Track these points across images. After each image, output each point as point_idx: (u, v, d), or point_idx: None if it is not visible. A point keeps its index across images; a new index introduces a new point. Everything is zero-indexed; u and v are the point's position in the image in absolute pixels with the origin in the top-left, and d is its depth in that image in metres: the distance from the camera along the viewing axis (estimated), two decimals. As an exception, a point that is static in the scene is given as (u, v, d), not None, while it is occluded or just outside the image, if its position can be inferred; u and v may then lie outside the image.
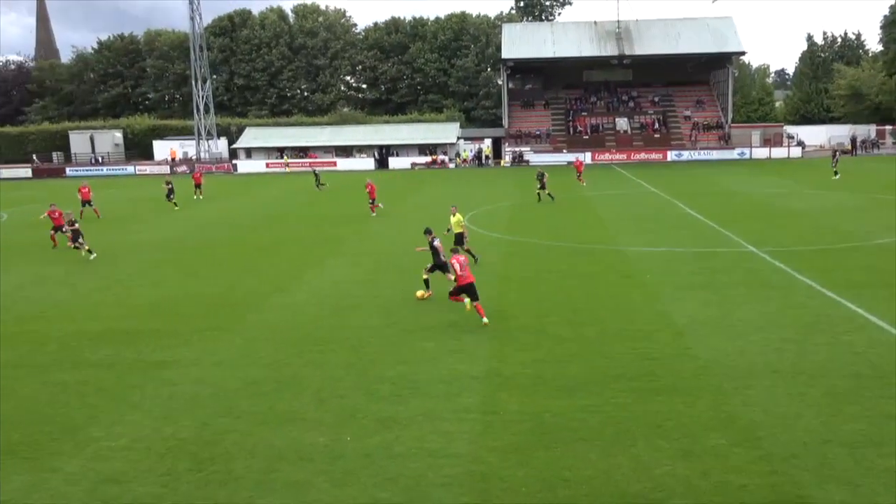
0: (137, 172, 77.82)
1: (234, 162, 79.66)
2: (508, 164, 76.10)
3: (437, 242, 19.97)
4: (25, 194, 57.64)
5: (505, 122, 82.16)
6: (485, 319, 16.62)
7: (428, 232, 20.30)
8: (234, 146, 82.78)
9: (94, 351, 15.95)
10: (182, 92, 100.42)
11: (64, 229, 29.06)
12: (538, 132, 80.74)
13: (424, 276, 19.61)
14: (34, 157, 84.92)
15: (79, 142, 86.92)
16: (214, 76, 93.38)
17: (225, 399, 12.93)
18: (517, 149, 78.21)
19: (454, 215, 24.45)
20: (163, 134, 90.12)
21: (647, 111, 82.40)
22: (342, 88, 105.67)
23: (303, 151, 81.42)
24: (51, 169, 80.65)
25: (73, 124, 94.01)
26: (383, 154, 79.95)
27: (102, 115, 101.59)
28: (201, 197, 47.93)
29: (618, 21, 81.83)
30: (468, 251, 23.49)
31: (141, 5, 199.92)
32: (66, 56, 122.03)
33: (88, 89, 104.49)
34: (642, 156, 74.82)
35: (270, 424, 11.80)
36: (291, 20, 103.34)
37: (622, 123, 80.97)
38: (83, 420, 12.25)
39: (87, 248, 27.48)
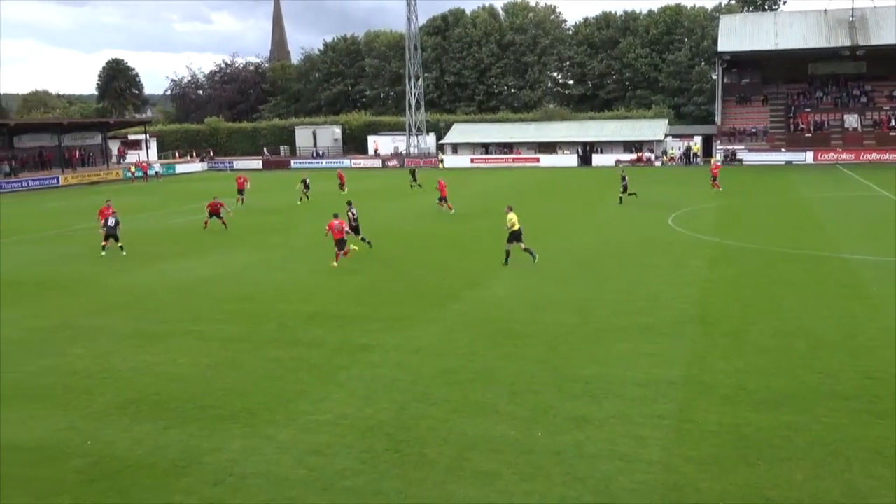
0: (353, 165, 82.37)
1: (441, 157, 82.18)
2: (720, 163, 72.51)
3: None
4: (253, 183, 62.93)
5: (718, 118, 78.23)
6: None
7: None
8: (442, 141, 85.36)
9: (306, 331, 17.15)
10: (396, 90, 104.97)
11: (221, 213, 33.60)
12: (754, 129, 76.09)
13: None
14: (265, 150, 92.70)
15: (303, 136, 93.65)
16: (426, 74, 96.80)
17: (422, 385, 13.41)
18: (729, 147, 74.22)
19: (509, 214, 24.20)
20: (377, 129, 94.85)
21: (883, 107, 75.00)
22: (549, 85, 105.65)
23: (507, 147, 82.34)
24: (278, 161, 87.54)
25: (299, 120, 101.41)
26: (587, 151, 79.01)
27: (324, 111, 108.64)
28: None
29: (852, 9, 75.12)
30: (526, 250, 24.08)
31: (363, 7, 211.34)
32: (296, 57, 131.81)
33: (313, 87, 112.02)
34: (874, 156, 68.28)
35: (463, 413, 12.09)
36: (502, 17, 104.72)
37: (851, 120, 74.31)
38: (294, 394, 13.21)
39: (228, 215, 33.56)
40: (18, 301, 21.34)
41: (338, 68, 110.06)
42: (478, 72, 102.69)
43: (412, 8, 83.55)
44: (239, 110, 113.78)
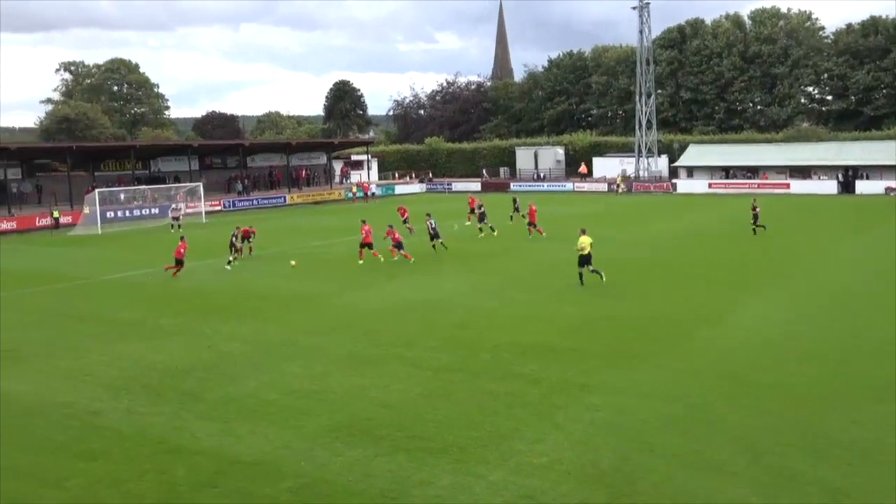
0: (576, 189, 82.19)
1: (673, 181, 79.81)
2: None
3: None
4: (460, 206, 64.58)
5: None
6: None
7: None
8: (675, 164, 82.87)
9: (522, 364, 17.18)
10: (625, 108, 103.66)
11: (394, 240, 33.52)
12: None
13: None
14: (484, 171, 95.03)
15: (524, 157, 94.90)
16: (659, 91, 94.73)
17: (646, 433, 12.92)
18: None
19: (581, 237, 26.61)
20: (603, 150, 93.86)
21: None
22: (802, 101, 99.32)
23: (751, 171, 78.30)
24: (497, 183, 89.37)
25: (520, 140, 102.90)
26: (848, 176, 73.13)
27: (547, 131, 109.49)
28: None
29: None
30: (595, 271, 26.30)
31: (590, 20, 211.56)
32: (518, 75, 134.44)
33: (536, 106, 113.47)
34: None
35: (693, 470, 11.47)
36: (748, 27, 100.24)
37: None
38: (508, 431, 13.23)
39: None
40: (243, 315, 23.36)
41: (562, 86, 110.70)
42: (718, 87, 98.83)
43: (644, 20, 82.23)
44: (460, 131, 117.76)
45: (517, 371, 16.73)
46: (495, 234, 41.76)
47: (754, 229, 39.22)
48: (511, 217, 49.74)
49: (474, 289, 26.77)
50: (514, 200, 52.81)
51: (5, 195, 59.55)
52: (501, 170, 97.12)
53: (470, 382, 16.04)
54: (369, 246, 33.66)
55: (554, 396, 14.98)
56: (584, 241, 26.35)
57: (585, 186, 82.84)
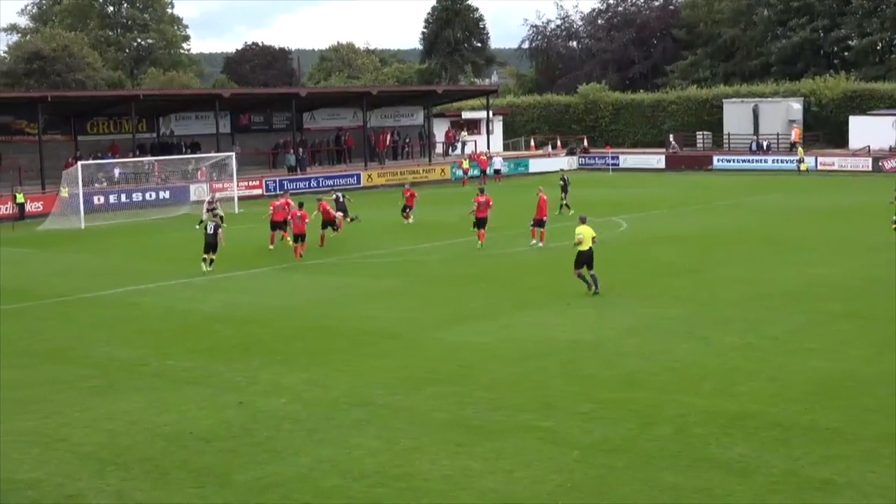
0: (819, 166, 79.82)
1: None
2: None
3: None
4: (651, 192, 63.93)
5: None
6: None
7: None
8: None
9: (724, 445, 16.89)
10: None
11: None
12: None
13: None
14: (670, 138, 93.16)
15: (736, 115, 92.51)
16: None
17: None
18: None
19: (578, 227, 30.11)
20: (866, 104, 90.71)
21: None
22: None
23: None
24: (691, 157, 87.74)
25: (730, 88, 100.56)
26: None
27: (774, 74, 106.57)
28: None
29: None
30: (592, 276, 30.03)
31: None
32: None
33: (757, 35, 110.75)
34: None
35: None
36: None
37: None
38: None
39: None
40: (291, 355, 23.91)
41: (801, 1, 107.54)
42: None
43: None
44: (634, 73, 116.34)
45: (715, 456, 16.52)
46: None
47: None
48: (561, 207, 51.80)
49: (650, 326, 26.62)
50: (563, 181, 54.70)
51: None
52: (699, 135, 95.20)
53: (639, 471, 15.92)
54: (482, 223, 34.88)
55: (775, 499, 14.74)
56: (584, 233, 29.68)
57: (835, 163, 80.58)
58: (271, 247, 41.80)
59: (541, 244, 40.15)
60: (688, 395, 19.94)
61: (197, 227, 46.51)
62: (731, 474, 15.71)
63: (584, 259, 29.81)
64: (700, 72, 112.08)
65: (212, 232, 36.30)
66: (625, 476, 15.75)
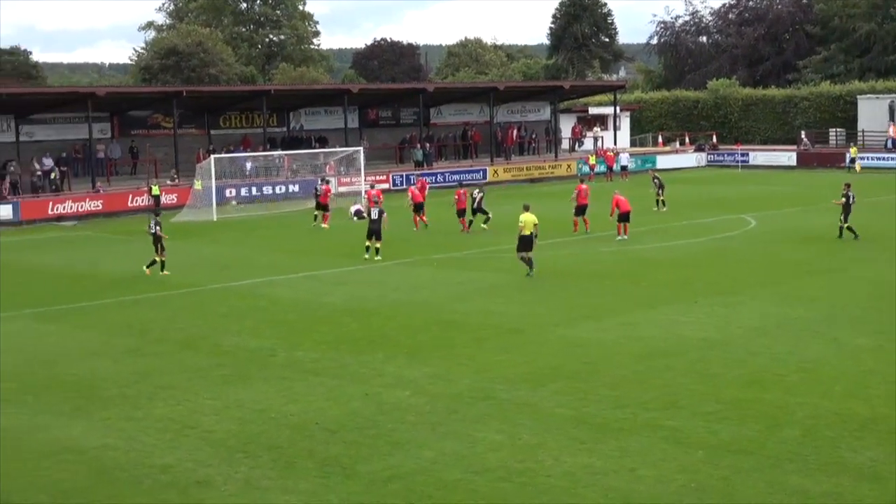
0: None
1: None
2: None
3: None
4: (782, 189, 62.87)
5: None
6: None
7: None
8: None
9: (855, 449, 16.58)
10: None
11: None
12: None
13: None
14: (802, 134, 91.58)
15: (870, 111, 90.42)
16: None
17: None
18: None
19: (523, 214, 33.23)
20: None
21: None
22: None
23: None
24: (822, 154, 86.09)
25: (866, 84, 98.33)
26: None
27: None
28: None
29: None
30: (529, 259, 33.04)
31: None
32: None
33: (894, 30, 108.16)
34: None
35: None
36: None
37: None
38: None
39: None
40: (417, 349, 24.16)
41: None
42: None
43: None
44: (765, 69, 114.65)
45: (845, 460, 16.24)
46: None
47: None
48: (657, 202, 52.35)
49: (780, 325, 26.24)
50: (655, 179, 54.47)
51: (89, 163, 63.66)
52: (832, 132, 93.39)
53: (765, 473, 15.73)
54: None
55: (907, 505, 14.39)
56: (526, 220, 32.85)
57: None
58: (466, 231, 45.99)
59: (625, 237, 41.31)
60: (818, 397, 19.65)
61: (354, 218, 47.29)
62: (861, 479, 15.43)
63: (525, 243, 32.98)
64: (834, 67, 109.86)
65: (376, 217, 37.53)
66: (751, 478, 15.58)
